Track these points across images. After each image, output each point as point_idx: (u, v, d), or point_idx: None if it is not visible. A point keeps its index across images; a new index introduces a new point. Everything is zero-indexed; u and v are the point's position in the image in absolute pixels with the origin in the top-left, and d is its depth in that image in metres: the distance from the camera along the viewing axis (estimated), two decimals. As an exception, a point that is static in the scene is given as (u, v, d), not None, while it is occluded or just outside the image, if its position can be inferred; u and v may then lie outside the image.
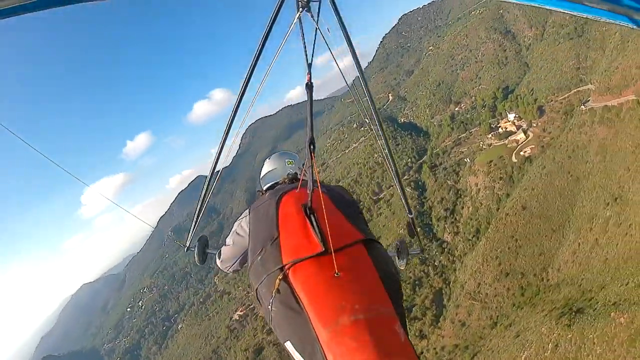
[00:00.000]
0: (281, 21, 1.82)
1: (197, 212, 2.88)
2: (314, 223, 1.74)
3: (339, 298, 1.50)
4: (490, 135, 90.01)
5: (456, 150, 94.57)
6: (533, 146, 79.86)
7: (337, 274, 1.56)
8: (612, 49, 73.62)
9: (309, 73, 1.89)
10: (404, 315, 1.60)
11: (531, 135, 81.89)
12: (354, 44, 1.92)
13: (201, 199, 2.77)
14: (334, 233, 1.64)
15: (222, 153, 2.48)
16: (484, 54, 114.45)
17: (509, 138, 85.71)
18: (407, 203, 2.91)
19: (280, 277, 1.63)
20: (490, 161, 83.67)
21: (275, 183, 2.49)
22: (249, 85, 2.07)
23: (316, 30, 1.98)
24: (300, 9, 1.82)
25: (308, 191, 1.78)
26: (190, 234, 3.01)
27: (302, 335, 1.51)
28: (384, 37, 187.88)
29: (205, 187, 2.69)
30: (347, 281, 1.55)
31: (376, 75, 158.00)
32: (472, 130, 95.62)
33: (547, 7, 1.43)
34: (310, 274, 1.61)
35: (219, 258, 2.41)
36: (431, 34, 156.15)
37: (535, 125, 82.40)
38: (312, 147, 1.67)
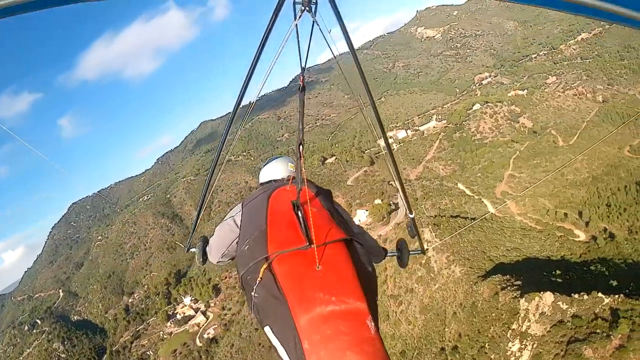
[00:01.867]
0: (281, 21, 2.11)
1: (197, 213, 3.57)
2: (301, 218, 2.34)
3: (318, 290, 2.00)
4: (169, 323, 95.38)
5: (137, 344, 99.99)
6: (216, 326, 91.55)
7: (318, 267, 2.10)
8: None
9: (302, 76, 2.38)
10: (376, 310, 2.13)
11: (211, 315, 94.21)
12: (354, 44, 2.27)
13: (201, 199, 3.40)
14: (318, 230, 2.23)
15: (223, 153, 2.91)
16: (152, 240, 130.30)
17: (189, 323, 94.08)
18: (407, 203, 3.51)
19: (265, 266, 2.17)
20: (175, 350, 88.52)
21: (271, 180, 3.25)
22: (248, 87, 2.39)
23: (311, 30, 2.36)
24: (301, 9, 2.13)
25: (297, 189, 2.36)
26: (190, 234, 3.79)
27: (281, 321, 1.99)
28: (52, 227, 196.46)
29: (205, 188, 3.25)
30: (326, 275, 2.08)
31: (45, 270, 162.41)
32: (150, 320, 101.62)
33: (548, 8, 1.74)
34: (293, 265, 2.14)
35: (211, 248, 3.04)
36: (100, 223, 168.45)
37: (213, 304, 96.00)
38: (301, 147, 2.28)
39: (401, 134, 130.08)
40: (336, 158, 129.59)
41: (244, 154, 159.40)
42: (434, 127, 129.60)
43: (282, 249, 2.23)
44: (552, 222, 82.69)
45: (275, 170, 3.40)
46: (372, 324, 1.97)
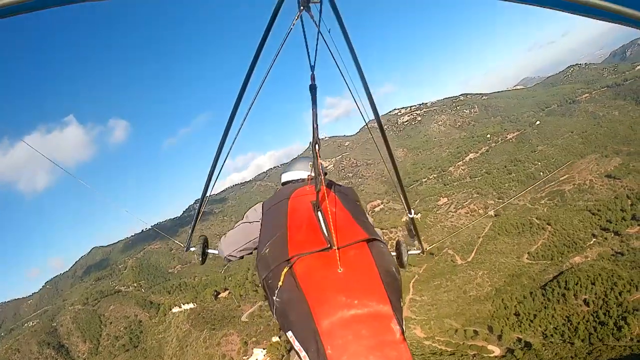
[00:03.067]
0: (280, 23, 2.24)
1: (196, 213, 3.87)
2: (321, 220, 2.50)
3: (340, 293, 2.12)
4: None
5: None
6: None
7: (340, 269, 2.22)
8: (170, 356, 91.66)
9: (313, 74, 2.55)
10: (401, 313, 2.21)
11: None
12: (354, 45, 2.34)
13: (201, 200, 3.67)
14: (339, 231, 2.37)
15: (221, 156, 3.09)
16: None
17: None
18: (407, 203, 3.73)
19: (286, 269, 2.29)
20: None
21: (292, 181, 3.44)
22: (247, 88, 2.52)
23: (318, 30, 2.49)
24: (300, 9, 2.29)
25: (316, 189, 2.51)
26: (189, 235, 4.04)
27: (303, 325, 2.11)
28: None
29: (204, 189, 3.50)
30: (349, 277, 2.20)
31: None
32: None
33: (550, 8, 1.83)
34: (315, 268, 2.26)
35: (223, 243, 3.37)
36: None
37: None
38: (317, 147, 2.39)
39: None
40: (230, 292, 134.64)
41: (135, 285, 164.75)
42: None
43: (303, 252, 2.33)
44: (462, 341, 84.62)
45: (296, 170, 3.51)
46: (397, 327, 2.07)
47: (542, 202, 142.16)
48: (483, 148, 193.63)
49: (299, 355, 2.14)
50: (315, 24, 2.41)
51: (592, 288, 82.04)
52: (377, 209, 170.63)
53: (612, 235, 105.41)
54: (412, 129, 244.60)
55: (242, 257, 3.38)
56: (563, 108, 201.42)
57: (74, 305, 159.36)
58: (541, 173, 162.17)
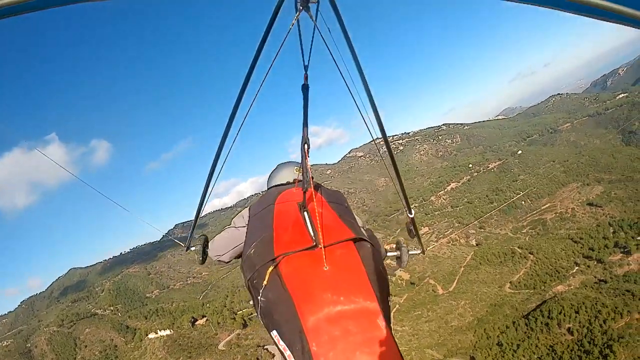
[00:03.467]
0: (280, 23, 2.30)
1: (196, 212, 3.95)
2: (307, 219, 2.61)
3: (326, 290, 2.22)
4: None
5: None
6: None
7: (326, 267, 2.33)
8: None
9: (306, 75, 2.63)
10: (388, 310, 2.36)
11: None
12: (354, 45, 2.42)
13: (201, 198, 3.69)
14: (326, 230, 2.49)
15: (221, 158, 3.17)
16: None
17: None
18: (407, 203, 3.87)
19: (271, 268, 2.39)
20: None
21: (279, 185, 3.59)
22: (246, 89, 2.59)
23: (314, 30, 2.55)
24: (299, 9, 2.34)
25: (303, 189, 2.64)
26: (189, 235, 4.16)
27: (288, 324, 2.20)
28: None
29: (204, 188, 3.54)
30: (335, 275, 2.31)
31: None
32: None
33: (552, 8, 1.89)
34: (300, 266, 2.37)
35: (211, 247, 3.52)
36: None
37: None
38: (307, 147, 2.49)
39: None
40: (207, 319, 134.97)
41: (111, 308, 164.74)
42: None
43: (288, 251, 2.45)
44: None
45: (281, 174, 3.72)
46: (384, 323, 2.16)
47: (524, 231, 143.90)
48: (465, 177, 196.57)
49: (283, 355, 2.20)
50: (316, 24, 2.49)
51: (576, 317, 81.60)
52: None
53: (595, 263, 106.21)
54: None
55: (229, 262, 3.49)
56: (545, 137, 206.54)
57: (49, 327, 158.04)
58: (523, 202, 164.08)
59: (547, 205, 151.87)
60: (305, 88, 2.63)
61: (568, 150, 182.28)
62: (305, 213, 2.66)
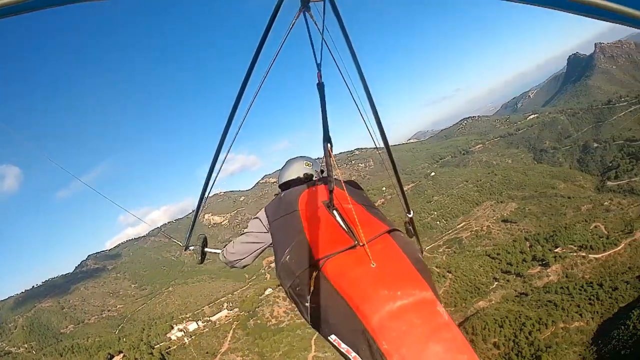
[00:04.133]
0: (279, 23, 2.41)
1: (195, 212, 4.32)
2: (339, 218, 2.74)
3: (381, 287, 2.28)
4: None
5: None
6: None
7: (373, 264, 2.40)
8: None
9: (319, 73, 2.73)
10: (439, 295, 2.43)
11: None
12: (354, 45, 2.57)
13: (200, 198, 3.90)
14: (361, 226, 2.55)
15: (220, 159, 3.40)
16: None
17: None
18: (406, 202, 4.20)
19: (315, 273, 2.48)
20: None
21: (290, 181, 3.75)
22: (245, 89, 2.74)
23: (323, 30, 2.69)
24: (300, 9, 2.48)
25: (329, 188, 2.74)
26: (188, 234, 4.38)
27: (347, 326, 2.28)
28: None
29: (203, 187, 3.77)
30: (384, 270, 2.40)
31: None
32: None
33: (553, 8, 1.97)
34: (346, 267, 2.44)
35: (230, 251, 3.64)
36: None
37: None
38: (329, 145, 2.58)
39: (192, 326, 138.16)
40: (124, 355, 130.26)
41: (25, 346, 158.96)
42: (225, 316, 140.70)
43: (328, 253, 2.51)
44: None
45: (290, 170, 3.83)
46: (443, 309, 2.25)
47: (441, 250, 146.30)
48: (379, 201, 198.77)
49: (347, 358, 2.28)
50: (316, 23, 2.61)
51: (500, 331, 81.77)
52: (273, 264, 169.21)
53: (514, 277, 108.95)
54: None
55: (245, 267, 3.77)
56: (457, 159, 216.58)
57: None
58: (437, 222, 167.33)
59: (462, 224, 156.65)
60: (320, 86, 2.67)
61: (481, 170, 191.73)
62: (335, 212, 2.79)
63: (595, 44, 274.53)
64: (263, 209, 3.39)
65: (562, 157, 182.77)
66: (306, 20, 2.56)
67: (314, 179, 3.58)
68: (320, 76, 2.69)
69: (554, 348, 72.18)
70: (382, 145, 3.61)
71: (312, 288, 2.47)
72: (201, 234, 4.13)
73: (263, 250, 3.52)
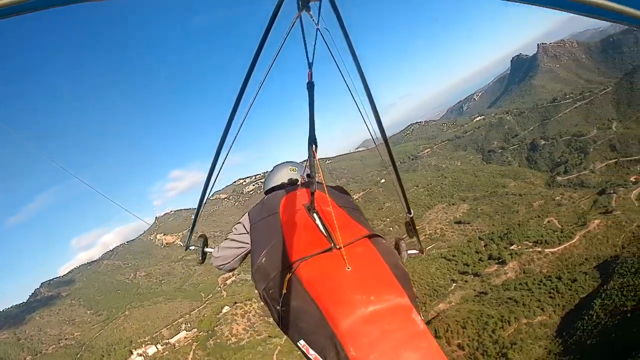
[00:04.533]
0: (279, 23, 2.47)
1: (196, 212, 4.34)
2: (318, 221, 2.74)
3: (354, 291, 2.26)
4: None
5: None
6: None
7: (348, 268, 2.39)
8: None
9: (310, 72, 2.72)
10: (417, 303, 2.41)
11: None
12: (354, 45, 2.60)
13: (200, 199, 3.92)
14: (339, 229, 2.55)
15: (220, 159, 3.38)
16: None
17: None
18: (406, 202, 4.03)
19: (289, 275, 2.47)
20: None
21: (275, 187, 3.84)
22: (245, 90, 2.75)
23: (316, 30, 2.69)
24: (300, 9, 2.49)
25: (311, 191, 2.78)
26: (189, 234, 4.55)
27: (316, 331, 2.25)
28: None
29: (204, 188, 3.78)
30: (360, 275, 2.38)
31: None
32: None
33: (553, 8, 1.99)
34: (321, 270, 2.43)
35: (215, 255, 3.74)
36: None
37: None
38: (314, 146, 2.59)
39: (151, 350, 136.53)
40: None
41: None
42: (184, 337, 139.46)
43: (303, 255, 2.50)
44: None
45: (276, 177, 3.95)
46: (418, 317, 2.22)
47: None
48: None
49: None
50: (316, 24, 2.62)
51: (463, 332, 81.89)
52: (228, 281, 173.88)
53: (472, 277, 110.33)
54: (258, 198, 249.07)
55: (232, 270, 3.84)
56: (406, 164, 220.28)
57: None
58: (390, 229, 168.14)
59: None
60: (310, 85, 2.66)
61: (430, 174, 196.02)
62: (315, 214, 2.77)
63: (538, 44, 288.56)
64: (247, 213, 3.48)
65: (511, 156, 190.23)
66: (301, 19, 2.56)
67: (298, 183, 3.57)
68: (310, 75, 2.68)
69: (519, 344, 72.67)
70: (382, 145, 3.48)
71: (284, 291, 2.45)
72: (202, 234, 4.19)
73: (248, 254, 3.48)
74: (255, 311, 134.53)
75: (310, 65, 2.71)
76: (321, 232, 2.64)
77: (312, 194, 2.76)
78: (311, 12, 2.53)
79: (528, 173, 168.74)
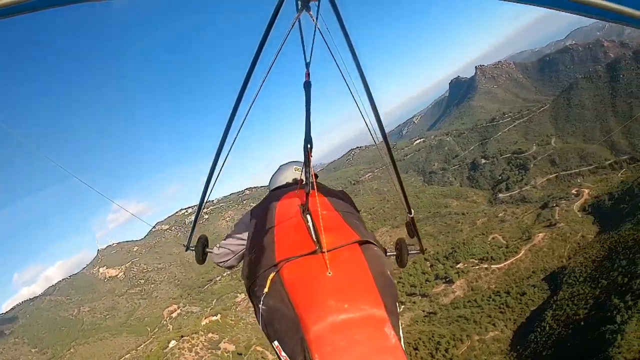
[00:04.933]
0: (279, 23, 2.57)
1: (196, 213, 4.58)
2: (310, 222, 2.74)
3: (329, 297, 2.26)
4: None
5: None
6: None
7: (329, 272, 2.40)
8: None
9: (308, 72, 2.82)
10: (397, 318, 2.44)
11: None
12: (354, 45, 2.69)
13: (201, 199, 4.14)
14: (330, 233, 2.60)
15: (220, 159, 3.63)
16: None
17: None
18: (407, 202, 4.21)
19: (272, 275, 2.51)
20: None
21: (279, 186, 3.90)
22: (245, 90, 2.90)
23: (315, 30, 2.84)
24: (300, 9, 2.60)
25: (305, 192, 2.80)
26: (190, 234, 4.68)
27: (289, 334, 2.29)
28: None
29: (204, 188, 3.99)
30: (339, 281, 2.37)
31: None
32: None
33: (554, 9, 2.08)
34: (303, 272, 2.46)
35: (215, 252, 3.83)
36: None
37: None
38: (309, 147, 2.65)
39: None
40: None
41: None
42: None
43: (289, 256, 2.56)
44: None
45: (281, 176, 4.06)
46: (392, 331, 2.20)
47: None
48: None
49: None
50: (316, 24, 2.71)
51: (416, 353, 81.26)
52: (174, 314, 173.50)
53: (420, 298, 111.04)
54: (201, 228, 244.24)
55: (231, 267, 3.91)
56: (348, 190, 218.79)
57: None
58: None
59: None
60: (307, 85, 2.73)
61: (372, 198, 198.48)
62: (308, 216, 2.77)
63: (475, 66, 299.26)
64: (249, 211, 3.52)
65: (452, 176, 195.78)
66: (300, 19, 2.63)
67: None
68: (308, 75, 2.73)
69: (473, 361, 71.49)
70: (382, 144, 3.60)
71: (266, 290, 2.47)
72: (202, 235, 4.26)
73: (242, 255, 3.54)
74: (203, 344, 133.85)
75: (307, 64, 2.81)
76: (310, 234, 2.64)
77: (307, 194, 2.76)
78: (311, 12, 2.59)
79: (470, 192, 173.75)
